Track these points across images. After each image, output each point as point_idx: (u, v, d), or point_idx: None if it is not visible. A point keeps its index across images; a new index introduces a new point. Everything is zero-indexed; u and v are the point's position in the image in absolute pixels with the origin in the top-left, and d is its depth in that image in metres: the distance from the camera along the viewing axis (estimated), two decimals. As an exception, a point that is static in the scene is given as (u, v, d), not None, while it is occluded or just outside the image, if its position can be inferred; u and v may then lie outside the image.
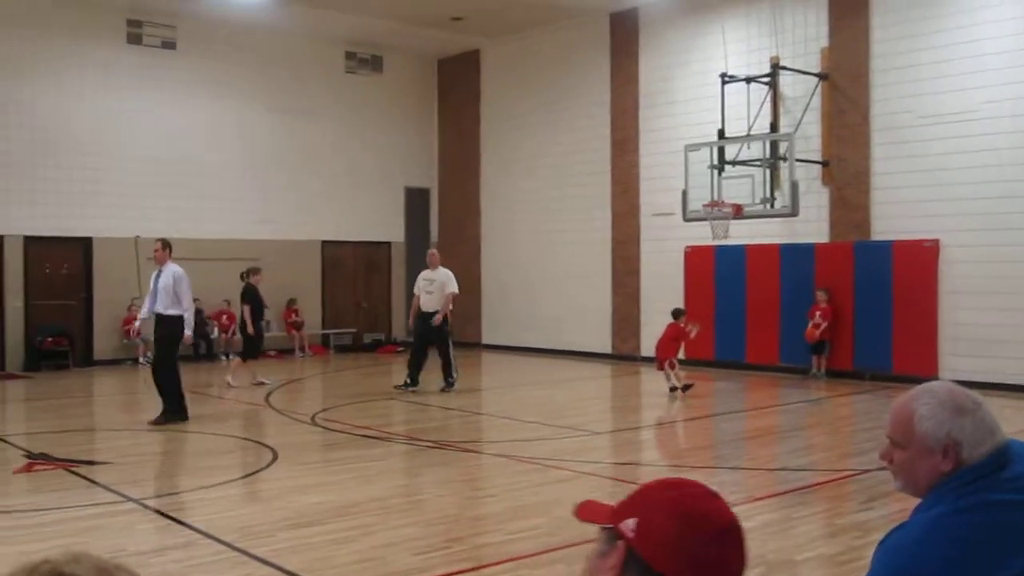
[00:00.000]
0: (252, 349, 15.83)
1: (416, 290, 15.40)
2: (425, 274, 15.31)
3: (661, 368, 14.33)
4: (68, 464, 9.29)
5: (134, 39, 19.62)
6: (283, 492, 8.29)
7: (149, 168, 19.53)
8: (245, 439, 11.13)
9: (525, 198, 21.66)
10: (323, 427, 11.64)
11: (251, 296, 15.65)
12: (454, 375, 14.84)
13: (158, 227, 19.28)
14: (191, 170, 20.01)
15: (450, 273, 15.25)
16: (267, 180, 21.07)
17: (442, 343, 14.87)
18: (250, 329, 15.50)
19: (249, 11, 19.20)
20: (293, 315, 21.08)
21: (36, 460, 9.51)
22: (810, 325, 16.07)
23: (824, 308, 16.03)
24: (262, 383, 15.59)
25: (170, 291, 11.90)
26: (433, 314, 14.75)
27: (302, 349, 21.03)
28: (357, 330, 22.60)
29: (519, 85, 21.82)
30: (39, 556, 1.23)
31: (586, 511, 1.64)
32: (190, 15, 19.63)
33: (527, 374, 17.84)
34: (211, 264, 18.64)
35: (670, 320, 14.74)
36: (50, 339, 18.11)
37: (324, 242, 22.07)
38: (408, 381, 14.69)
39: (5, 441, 11.15)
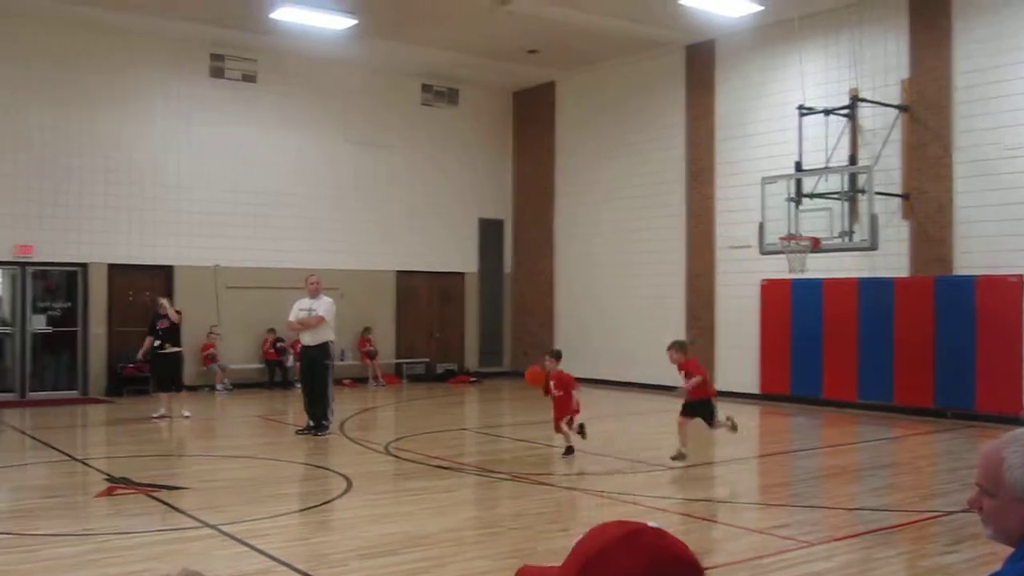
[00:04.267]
0: None
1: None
2: (302, 303, 13.82)
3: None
4: (148, 489, 9.44)
5: (216, 73, 20.09)
6: (357, 521, 8.32)
7: (229, 198, 19.92)
8: (320, 467, 11.21)
9: (599, 230, 21.64)
10: (396, 456, 11.69)
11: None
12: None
13: (237, 256, 19.72)
14: (269, 200, 20.37)
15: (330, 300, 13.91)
16: (343, 211, 21.35)
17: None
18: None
19: (327, 45, 19.52)
20: (367, 344, 21.26)
21: (117, 484, 9.69)
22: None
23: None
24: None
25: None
26: (315, 347, 13.55)
27: (376, 378, 21.19)
28: (430, 360, 22.71)
29: (594, 117, 21.86)
30: (160, 573, 1.24)
31: None
32: (270, 49, 20.03)
33: (600, 406, 17.71)
34: (288, 293, 18.86)
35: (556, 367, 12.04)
36: (131, 365, 18.47)
37: (399, 272, 22.27)
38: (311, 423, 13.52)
39: (87, 465, 11.39)
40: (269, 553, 6.95)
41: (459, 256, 23.25)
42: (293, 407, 16.68)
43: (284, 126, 20.75)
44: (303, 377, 14.05)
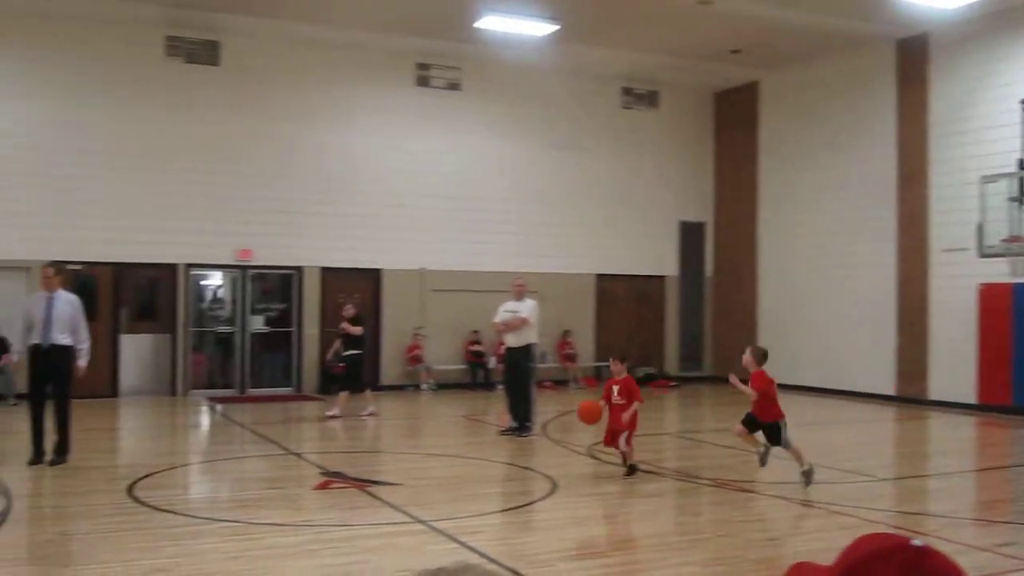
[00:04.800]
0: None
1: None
2: (508, 305, 14.02)
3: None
4: (361, 484, 9.81)
5: (422, 82, 20.69)
6: (563, 522, 8.40)
7: (435, 204, 20.48)
8: (524, 468, 11.36)
9: (804, 232, 21.08)
10: (598, 459, 11.72)
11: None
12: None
13: (443, 260, 20.25)
14: (473, 205, 20.82)
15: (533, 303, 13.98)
16: (545, 215, 21.59)
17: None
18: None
19: (529, 51, 19.78)
20: (567, 347, 21.42)
21: (332, 478, 10.11)
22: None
23: None
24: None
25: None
26: (518, 349, 13.82)
27: (575, 381, 21.31)
28: (629, 364, 22.62)
29: (799, 116, 21.31)
30: (435, 565, 1.27)
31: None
32: (474, 57, 20.46)
33: (804, 414, 17.24)
34: (490, 296, 19.21)
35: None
36: (340, 365, 19.18)
37: (598, 275, 22.33)
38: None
39: (302, 458, 11.93)
40: (479, 550, 7.10)
41: (659, 259, 23.11)
42: (495, 408, 16.97)
43: (487, 132, 21.16)
44: (506, 378, 14.27)
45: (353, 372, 16.15)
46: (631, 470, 10.26)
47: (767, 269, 22.14)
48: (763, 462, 10.11)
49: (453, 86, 20.93)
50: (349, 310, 16.17)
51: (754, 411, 9.85)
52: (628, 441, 10.20)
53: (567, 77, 21.79)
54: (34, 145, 17.77)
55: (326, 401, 18.15)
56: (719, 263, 23.57)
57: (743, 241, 22.72)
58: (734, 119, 23.19)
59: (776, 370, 22.33)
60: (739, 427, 10.12)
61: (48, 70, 17.90)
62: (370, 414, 15.75)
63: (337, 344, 16.34)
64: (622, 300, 22.81)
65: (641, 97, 22.97)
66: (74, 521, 8.53)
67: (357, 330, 15.93)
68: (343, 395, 15.92)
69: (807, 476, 9.74)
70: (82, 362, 11.09)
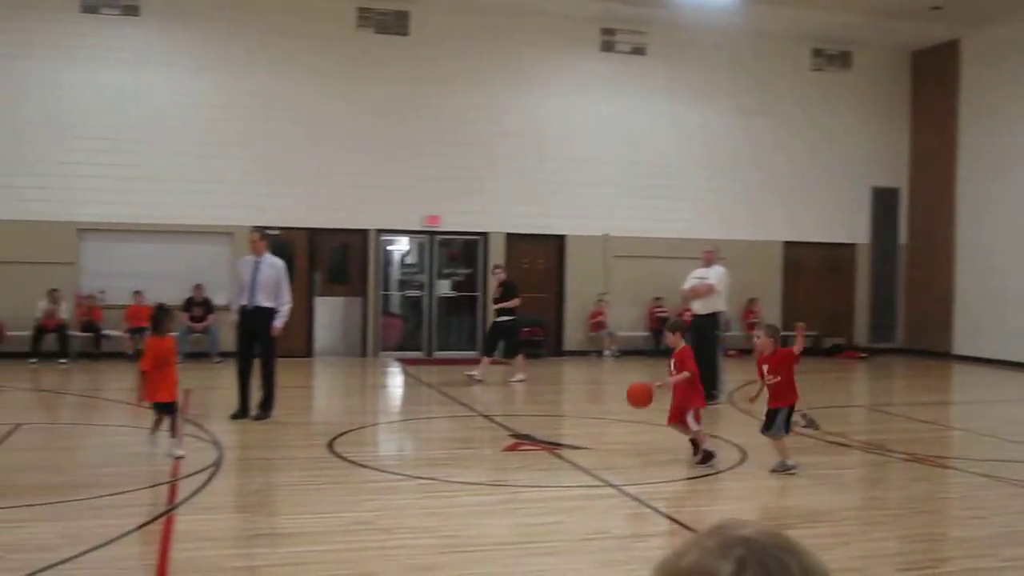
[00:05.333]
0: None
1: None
2: (697, 272, 13.76)
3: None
4: (550, 447, 9.95)
5: (607, 47, 20.59)
6: (753, 492, 8.31)
7: (619, 170, 20.40)
8: (711, 436, 11.25)
9: (1006, 199, 19.97)
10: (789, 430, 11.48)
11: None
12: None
13: (624, 225, 20.19)
14: (658, 171, 20.63)
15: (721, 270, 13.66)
16: (729, 180, 21.20)
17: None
18: None
19: (717, 14, 19.39)
20: (752, 316, 21.03)
21: (521, 440, 10.29)
22: None
23: None
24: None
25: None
26: (705, 316, 13.47)
27: (760, 350, 20.91)
28: (817, 334, 22.06)
29: (1004, 77, 20.12)
30: (739, 533, 1.22)
31: None
32: (660, 21, 20.20)
33: (1006, 389, 16.48)
34: (674, 262, 19.05)
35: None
36: (527, 329, 19.47)
37: (786, 243, 21.80)
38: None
39: (491, 420, 12.18)
40: (672, 516, 7.10)
41: (849, 227, 22.34)
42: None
43: (673, 97, 20.89)
44: (693, 346, 14.11)
45: (507, 336, 16.22)
46: (705, 457, 9.05)
47: (965, 237, 21.09)
48: (813, 425, 9.44)
49: (638, 51, 20.74)
50: (500, 274, 16.32)
51: (771, 393, 8.94)
52: (696, 418, 9.04)
53: (755, 39, 21.25)
54: (239, 116, 18.64)
55: (509, 365, 18.43)
56: (914, 231, 22.61)
57: (940, 208, 21.71)
58: (932, 80, 22.11)
59: (975, 344, 21.36)
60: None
61: (252, 44, 18.71)
62: (519, 380, 15.77)
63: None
64: (810, 268, 22.20)
65: (832, 58, 22.19)
66: (278, 473, 8.97)
67: (513, 303, 16.01)
68: (518, 359, 16.04)
69: (785, 470, 8.76)
70: (278, 323, 11.55)
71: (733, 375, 16.50)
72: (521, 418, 12.40)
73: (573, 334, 20.53)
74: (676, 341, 9.41)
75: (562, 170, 20.13)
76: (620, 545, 6.66)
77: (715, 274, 13.56)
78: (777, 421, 8.82)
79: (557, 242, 20.44)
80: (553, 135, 20.19)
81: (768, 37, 21.28)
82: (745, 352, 20.61)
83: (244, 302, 11.51)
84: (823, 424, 10.17)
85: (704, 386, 13.18)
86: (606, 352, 20.23)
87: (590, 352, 20.32)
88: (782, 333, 21.21)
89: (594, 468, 8.81)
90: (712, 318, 13.50)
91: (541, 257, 20.31)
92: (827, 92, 22.02)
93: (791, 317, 21.85)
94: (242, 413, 11.46)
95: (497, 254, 20.00)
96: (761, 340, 9.13)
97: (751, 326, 20.93)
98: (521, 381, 15.64)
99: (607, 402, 15.20)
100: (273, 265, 11.62)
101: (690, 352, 9.30)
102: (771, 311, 21.52)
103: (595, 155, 20.32)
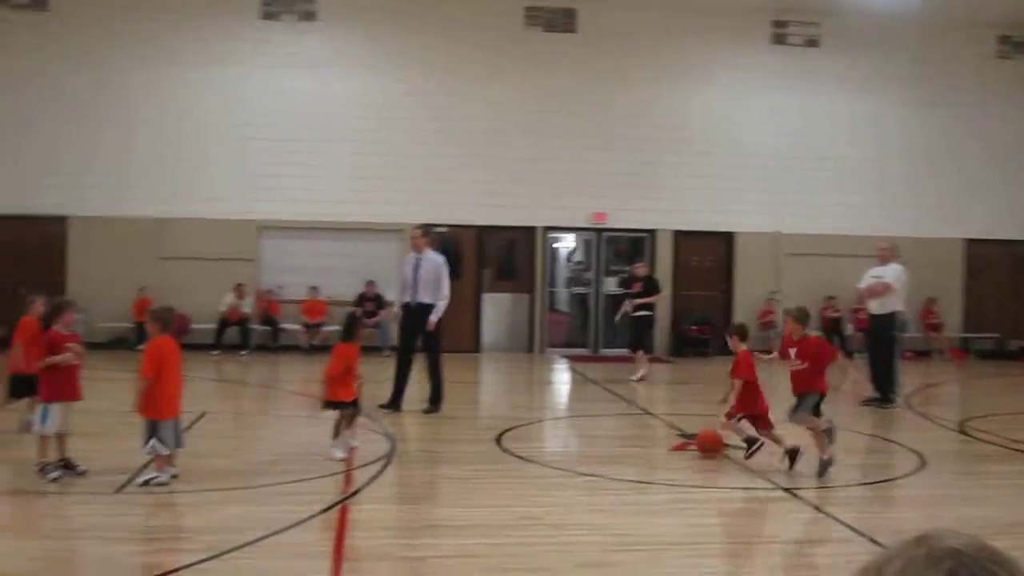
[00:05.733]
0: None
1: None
2: (874, 270, 13.26)
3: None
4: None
5: (778, 40, 20.13)
6: (933, 500, 7.98)
7: (790, 165, 19.93)
8: (888, 440, 10.88)
9: None
10: (971, 436, 10.99)
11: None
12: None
13: (798, 223, 19.68)
14: (833, 166, 20.08)
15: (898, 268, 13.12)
16: (905, 175, 20.40)
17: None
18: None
19: (894, 2, 18.70)
20: (931, 316, 20.22)
21: (689, 440, 10.15)
22: None
23: None
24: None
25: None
26: (882, 316, 12.96)
27: (940, 352, 20.09)
28: (1001, 335, 21.02)
29: None
30: (948, 544, 1.17)
31: None
32: (836, 11, 19.61)
33: None
34: (848, 261, 18.44)
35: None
36: (694, 327, 19.24)
37: (967, 240, 20.83)
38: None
39: (657, 418, 12.07)
40: (846, 522, 6.88)
41: (1037, 223, 21.19)
42: (851, 377, 16.31)
43: (846, 89, 20.24)
44: (869, 347, 13.69)
45: (641, 331, 15.96)
46: (749, 444, 8.87)
47: None
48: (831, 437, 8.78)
49: (811, 43, 20.19)
50: (640, 269, 16.11)
51: (794, 380, 8.89)
52: (729, 416, 8.96)
53: (935, 28, 20.35)
54: (410, 116, 19.06)
55: (675, 363, 18.26)
56: (1113, 227, 21.25)
57: None
58: None
59: None
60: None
61: (422, 46, 19.15)
62: (640, 378, 15.50)
63: (627, 305, 16.12)
64: (995, 267, 21.13)
65: (1020, 45, 21.07)
66: (447, 466, 9.12)
67: (653, 299, 15.78)
68: (639, 355, 15.77)
69: (792, 457, 8.61)
70: (433, 317, 11.58)
71: (912, 378, 15.92)
72: (686, 417, 12.24)
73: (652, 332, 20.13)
74: (736, 345, 9.35)
75: (732, 165, 19.80)
76: (793, 550, 6.50)
77: (892, 272, 13.07)
78: (803, 405, 8.69)
79: (725, 239, 20.11)
80: (723, 130, 19.87)
81: (950, 25, 20.34)
82: (923, 354, 19.87)
83: (407, 299, 11.74)
84: (1009, 432, 9.67)
85: (881, 389, 12.81)
86: (773, 352, 19.71)
87: (754, 351, 19.84)
88: (961, 334, 20.45)
89: (763, 470, 8.62)
90: (889, 318, 13.03)
91: (709, 254, 20.02)
92: (1015, 81, 20.92)
93: (973, 318, 20.95)
94: (392, 405, 11.59)
95: (664, 251, 19.83)
96: (789, 325, 9.06)
97: (930, 327, 20.17)
98: (641, 379, 15.41)
99: (775, 404, 14.83)
100: (432, 261, 11.79)
101: (749, 359, 9.14)
102: (951, 311, 20.64)
103: (765, 150, 19.90)
